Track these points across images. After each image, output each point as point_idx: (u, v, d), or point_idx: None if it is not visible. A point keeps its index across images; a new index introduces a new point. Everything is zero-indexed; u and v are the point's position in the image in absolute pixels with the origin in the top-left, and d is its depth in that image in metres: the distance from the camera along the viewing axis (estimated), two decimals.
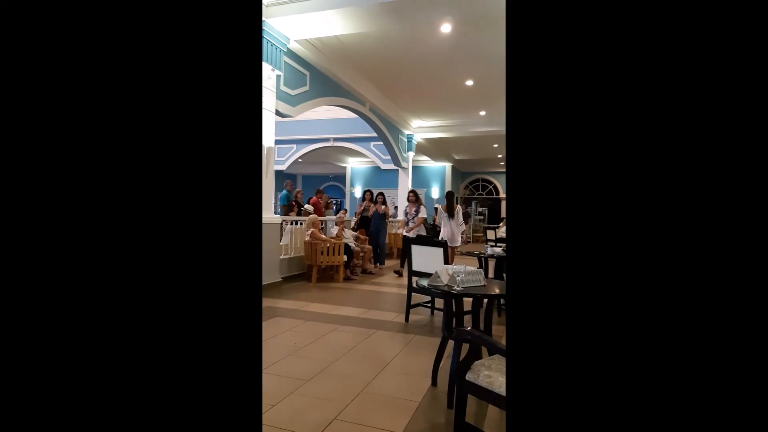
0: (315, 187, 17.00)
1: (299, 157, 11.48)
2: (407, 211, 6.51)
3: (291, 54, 5.12)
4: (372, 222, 6.99)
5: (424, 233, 6.25)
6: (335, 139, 10.68)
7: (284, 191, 7.57)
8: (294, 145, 11.30)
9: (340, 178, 15.93)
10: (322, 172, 16.33)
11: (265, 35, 4.45)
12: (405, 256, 6.16)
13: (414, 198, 6.43)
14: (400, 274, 6.36)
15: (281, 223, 5.30)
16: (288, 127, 9.90)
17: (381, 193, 7.27)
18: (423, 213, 6.42)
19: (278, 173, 9.62)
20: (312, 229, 5.46)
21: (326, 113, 9.50)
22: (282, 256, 5.27)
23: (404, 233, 6.31)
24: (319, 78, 5.84)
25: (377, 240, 6.96)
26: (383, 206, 7.08)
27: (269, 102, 4.72)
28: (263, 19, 4.40)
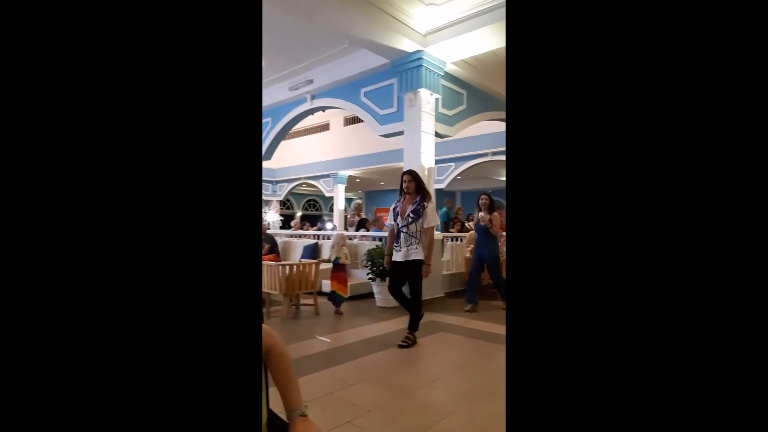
0: (473, 203, 16.87)
1: (458, 175, 11.63)
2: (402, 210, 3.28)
3: (448, 76, 5.31)
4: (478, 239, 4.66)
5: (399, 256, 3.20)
6: (494, 153, 10.47)
7: (444, 208, 7.81)
8: (452, 164, 11.52)
9: (499, 192, 15.45)
10: (479, 187, 16.11)
11: (423, 63, 4.75)
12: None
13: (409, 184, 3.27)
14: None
15: (442, 240, 5.45)
16: (446, 146, 10.18)
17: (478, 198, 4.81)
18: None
19: (438, 191, 9.93)
20: (471, 246, 5.44)
21: (483, 129, 9.42)
22: (444, 272, 5.39)
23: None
24: (475, 95, 5.88)
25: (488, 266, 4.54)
26: (482, 213, 4.65)
27: (428, 125, 4.97)
28: (422, 48, 4.70)
